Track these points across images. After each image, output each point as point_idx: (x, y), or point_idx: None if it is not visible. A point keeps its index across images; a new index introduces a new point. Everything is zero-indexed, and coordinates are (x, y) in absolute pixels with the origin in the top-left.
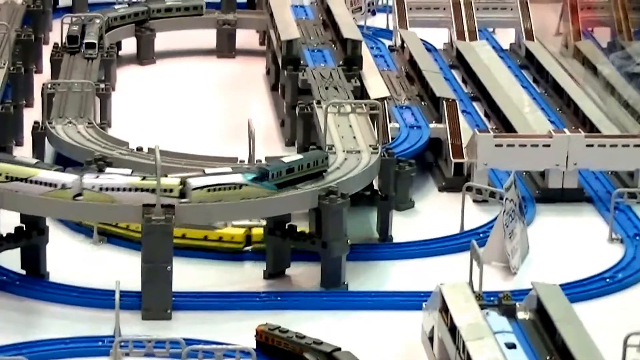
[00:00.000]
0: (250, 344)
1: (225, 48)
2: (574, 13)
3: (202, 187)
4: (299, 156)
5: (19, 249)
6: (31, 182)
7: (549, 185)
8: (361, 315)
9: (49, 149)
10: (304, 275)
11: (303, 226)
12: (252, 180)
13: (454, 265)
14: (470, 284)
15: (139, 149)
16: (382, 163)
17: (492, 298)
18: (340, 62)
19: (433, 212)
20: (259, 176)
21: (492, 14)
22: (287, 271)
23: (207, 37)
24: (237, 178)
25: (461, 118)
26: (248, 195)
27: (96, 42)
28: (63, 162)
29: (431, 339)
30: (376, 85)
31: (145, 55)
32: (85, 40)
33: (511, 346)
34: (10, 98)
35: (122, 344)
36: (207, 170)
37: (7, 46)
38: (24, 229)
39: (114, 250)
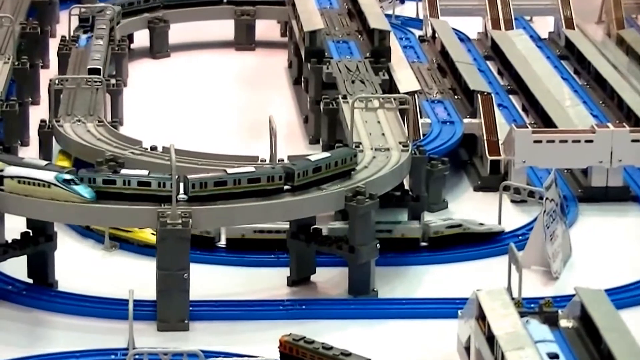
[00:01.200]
0: (274, 355)
1: (244, 40)
2: None
3: (12, 177)
4: (326, 154)
5: (25, 256)
6: None
7: (592, 184)
8: (392, 324)
9: (56, 149)
10: (330, 281)
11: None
12: (63, 182)
13: (491, 270)
14: (509, 289)
15: (153, 148)
16: (413, 161)
17: (532, 305)
18: (367, 54)
19: (468, 214)
20: (73, 179)
21: (530, 1)
22: (312, 277)
23: (225, 29)
24: (48, 176)
25: (497, 112)
26: (58, 197)
27: (101, 67)
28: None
29: (467, 349)
30: (406, 79)
31: (158, 48)
32: (90, 65)
33: (553, 356)
34: (15, 95)
35: (137, 356)
36: (26, 161)
37: (11, 40)
38: (31, 234)
39: (127, 257)
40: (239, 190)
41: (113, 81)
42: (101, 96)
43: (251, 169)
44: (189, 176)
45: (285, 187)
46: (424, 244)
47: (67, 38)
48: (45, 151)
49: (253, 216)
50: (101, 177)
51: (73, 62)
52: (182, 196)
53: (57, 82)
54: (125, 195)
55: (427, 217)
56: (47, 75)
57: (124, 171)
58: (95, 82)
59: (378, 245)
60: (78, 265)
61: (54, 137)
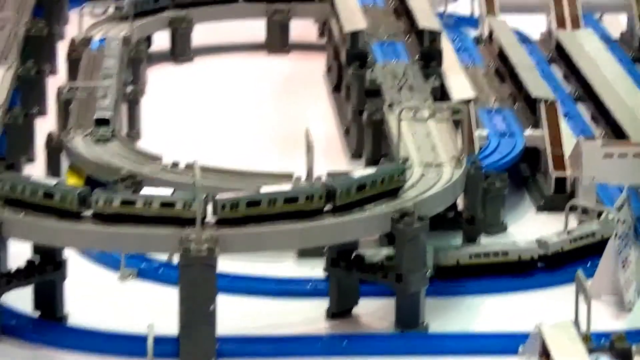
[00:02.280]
0: None
1: (277, 42)
2: None
3: None
4: (371, 170)
5: (31, 287)
6: None
7: None
8: None
9: (65, 165)
10: (374, 314)
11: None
12: None
13: (556, 301)
14: (576, 323)
15: (175, 165)
16: (468, 178)
17: (602, 340)
18: (416, 58)
19: (530, 237)
20: None
21: None
22: (355, 309)
23: (255, 29)
24: None
25: (563, 123)
26: None
27: (109, 117)
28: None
29: None
30: (459, 85)
31: (180, 51)
32: (96, 116)
33: None
34: (19, 105)
35: None
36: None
37: (14, 43)
38: (38, 262)
39: (146, 286)
40: (274, 212)
41: (130, 89)
42: (117, 106)
43: (287, 187)
44: (217, 196)
45: (326, 207)
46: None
47: (78, 40)
48: (53, 168)
49: (288, 241)
50: (119, 197)
51: (85, 68)
52: (210, 218)
53: (66, 90)
54: (147, 217)
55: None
56: (56, 82)
57: (144, 190)
58: (103, 135)
59: (428, 272)
60: (90, 295)
61: (63, 152)
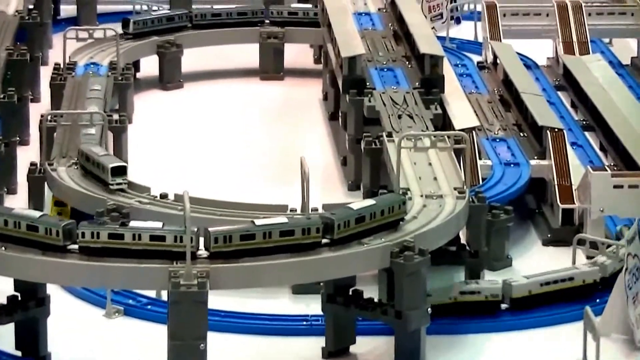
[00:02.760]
0: None
1: (271, 67)
2: None
3: None
4: (370, 201)
5: (12, 324)
6: None
7: None
8: None
9: (49, 197)
10: (373, 353)
11: (371, 292)
12: None
13: (563, 339)
14: None
15: (164, 196)
16: (471, 210)
17: None
18: (417, 84)
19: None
20: None
21: (608, 21)
22: (352, 348)
23: (248, 54)
24: None
25: (570, 152)
26: None
27: (127, 165)
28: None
29: None
30: (462, 113)
31: (169, 77)
32: (111, 164)
33: None
34: (0, 133)
35: None
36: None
37: None
38: (19, 298)
39: (133, 323)
40: (269, 245)
41: (116, 117)
42: (102, 134)
43: (283, 219)
44: (210, 229)
45: (324, 240)
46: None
47: (62, 66)
48: (36, 200)
49: (282, 276)
50: (107, 230)
51: (69, 95)
52: (202, 252)
53: (49, 118)
54: (135, 251)
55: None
56: (38, 109)
57: (133, 223)
58: (119, 184)
59: (429, 309)
60: (75, 333)
61: (46, 183)
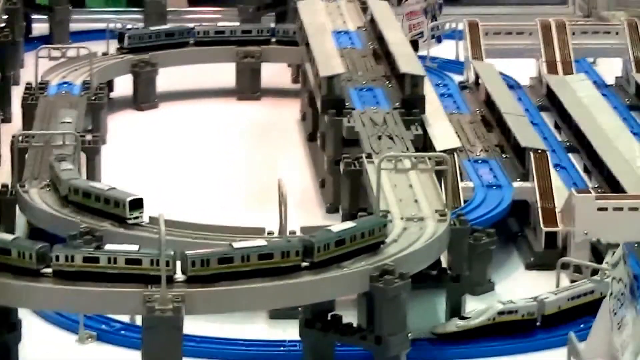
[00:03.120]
0: None
1: (248, 87)
2: None
3: None
4: (350, 224)
5: None
6: None
7: None
8: None
9: (20, 220)
10: None
11: (351, 317)
12: None
13: None
14: None
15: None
16: (452, 234)
17: None
18: (397, 104)
19: (518, 297)
20: None
21: (593, 40)
22: None
23: (225, 74)
24: None
25: (554, 174)
26: None
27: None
28: (39, 236)
29: None
30: (443, 133)
31: (144, 97)
32: (129, 198)
33: None
34: None
35: None
36: None
37: None
38: None
39: (106, 350)
40: (248, 269)
41: (89, 137)
42: (75, 155)
43: (262, 242)
44: (187, 252)
45: (304, 263)
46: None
47: (34, 85)
48: (7, 223)
49: (260, 300)
50: (81, 253)
51: (41, 115)
52: (180, 276)
53: (21, 139)
54: (111, 275)
55: None
56: (9, 130)
57: (108, 246)
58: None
59: (410, 334)
60: (47, 359)
61: (17, 206)
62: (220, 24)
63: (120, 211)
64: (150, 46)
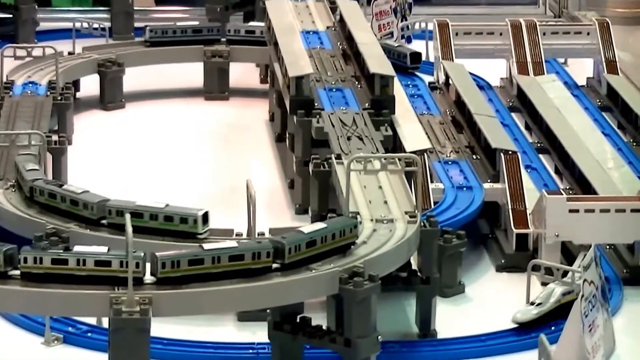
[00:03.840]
0: None
1: (216, 87)
2: None
3: None
4: (321, 225)
5: None
6: None
7: None
8: None
9: None
10: None
11: (320, 319)
12: None
13: None
14: None
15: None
16: (422, 235)
17: None
18: (367, 105)
19: (489, 299)
20: None
21: (563, 41)
22: None
23: (192, 74)
24: None
25: (525, 176)
26: None
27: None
28: (5, 237)
29: None
30: (413, 134)
31: (111, 97)
32: (200, 213)
33: None
34: None
35: None
36: None
37: None
38: None
39: (73, 352)
40: (218, 270)
41: (55, 138)
42: (41, 156)
43: (233, 244)
44: (157, 253)
45: (274, 265)
46: None
47: None
48: None
49: (227, 302)
50: (50, 255)
51: (6, 115)
52: (149, 278)
53: None
54: (80, 277)
55: None
56: None
57: (77, 248)
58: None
59: (380, 337)
60: None
61: None
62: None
63: (190, 227)
64: (174, 41)
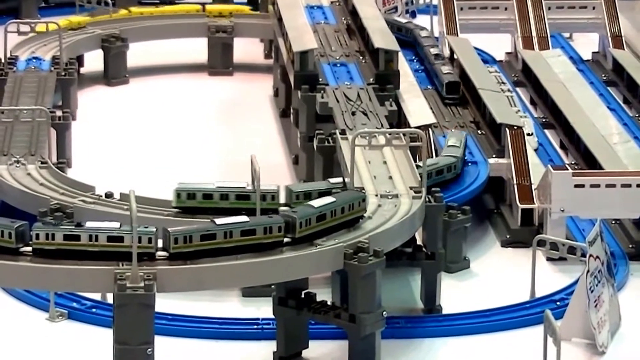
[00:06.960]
0: None
1: (220, 62)
2: None
3: None
4: (330, 199)
5: None
6: None
7: None
8: None
9: None
10: (326, 358)
11: (325, 295)
12: None
13: (522, 344)
14: None
15: (109, 195)
16: (427, 210)
17: None
18: (371, 80)
19: (494, 274)
20: None
21: (569, 15)
22: (304, 353)
23: (196, 49)
24: None
25: (530, 151)
26: None
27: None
28: (9, 213)
29: None
30: (418, 110)
31: (115, 73)
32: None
33: None
34: None
35: None
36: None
37: None
38: None
39: (78, 327)
40: (230, 245)
41: (59, 113)
42: (45, 132)
43: (245, 218)
44: (170, 229)
45: (285, 239)
46: None
47: (3, 60)
48: None
49: (232, 278)
50: (62, 231)
51: (10, 91)
52: (162, 253)
53: None
54: (92, 253)
55: None
56: None
57: (90, 224)
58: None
59: (385, 313)
60: (16, 338)
61: None
62: None
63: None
64: None
